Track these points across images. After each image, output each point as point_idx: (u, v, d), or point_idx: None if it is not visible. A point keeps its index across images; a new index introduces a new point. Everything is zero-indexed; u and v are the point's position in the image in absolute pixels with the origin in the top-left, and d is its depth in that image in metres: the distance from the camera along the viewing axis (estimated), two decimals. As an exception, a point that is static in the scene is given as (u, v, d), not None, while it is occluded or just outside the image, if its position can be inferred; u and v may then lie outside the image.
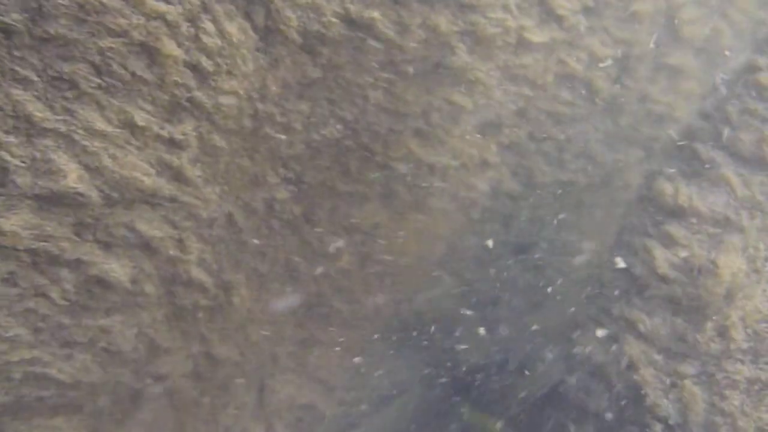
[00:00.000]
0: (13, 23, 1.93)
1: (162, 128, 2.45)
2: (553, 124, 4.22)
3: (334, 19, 2.69)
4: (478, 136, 3.84)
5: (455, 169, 3.82)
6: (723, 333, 2.61)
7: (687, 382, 2.66)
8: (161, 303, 2.99)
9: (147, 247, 2.74)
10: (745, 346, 2.53)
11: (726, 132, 2.98)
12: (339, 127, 3.10)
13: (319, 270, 3.67)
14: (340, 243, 3.64)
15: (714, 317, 2.65)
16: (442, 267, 4.48)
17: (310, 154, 3.11)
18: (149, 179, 2.50)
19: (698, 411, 2.56)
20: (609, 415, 3.02)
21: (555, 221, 4.98)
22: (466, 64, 3.32)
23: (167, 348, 3.14)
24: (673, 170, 3.15)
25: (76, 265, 2.52)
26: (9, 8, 1.90)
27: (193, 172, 2.65)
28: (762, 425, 2.39)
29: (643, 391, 2.78)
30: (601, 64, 4.08)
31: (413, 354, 4.95)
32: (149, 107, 2.37)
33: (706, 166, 2.99)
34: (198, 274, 3.02)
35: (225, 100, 2.58)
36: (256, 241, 3.22)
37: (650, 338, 2.80)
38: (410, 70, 3.13)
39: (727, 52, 4.85)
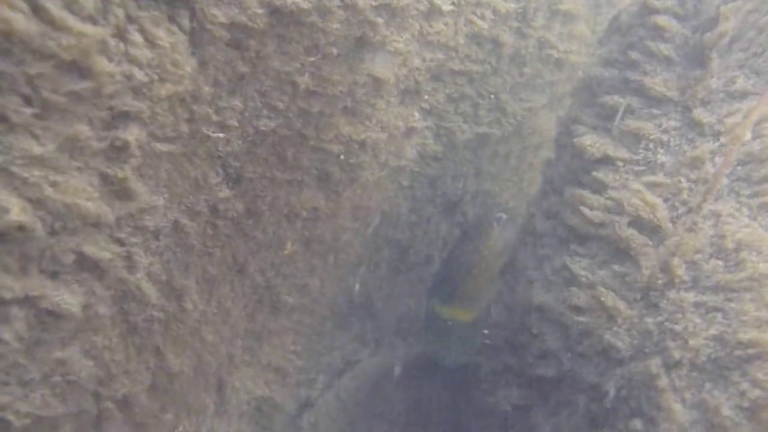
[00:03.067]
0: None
1: (102, 145, 2.33)
2: (468, 83, 4.33)
3: (259, 11, 2.62)
4: (401, 105, 3.88)
5: (383, 142, 3.85)
6: (663, 268, 2.82)
7: (635, 317, 2.87)
8: (115, 323, 2.88)
9: (96, 269, 2.63)
10: (685, 276, 2.75)
11: (634, 76, 3.17)
12: (272, 117, 3.05)
13: (265, 261, 3.65)
14: (283, 232, 3.62)
15: (650, 255, 2.86)
16: (379, 236, 4.55)
17: (247, 148, 3.05)
18: (93, 203, 2.38)
19: (652, 339, 2.78)
20: (566, 355, 3.21)
21: (475, 175, 5.15)
22: (385, 37, 3.33)
23: (124, 368, 3.05)
24: (591, 119, 3.33)
25: (26, 301, 2.39)
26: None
27: (137, 185, 2.55)
28: (713, 343, 2.63)
29: (595, 332, 2.98)
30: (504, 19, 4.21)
31: (360, 326, 5.04)
32: (86, 127, 2.25)
33: (621, 111, 3.17)
34: (149, 288, 2.93)
35: (161, 107, 2.47)
36: (202, 244, 3.15)
37: (595, 284, 2.99)
38: (334, 51, 3.11)
39: (613, -6, 5.12)
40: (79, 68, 2.12)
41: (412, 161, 4.31)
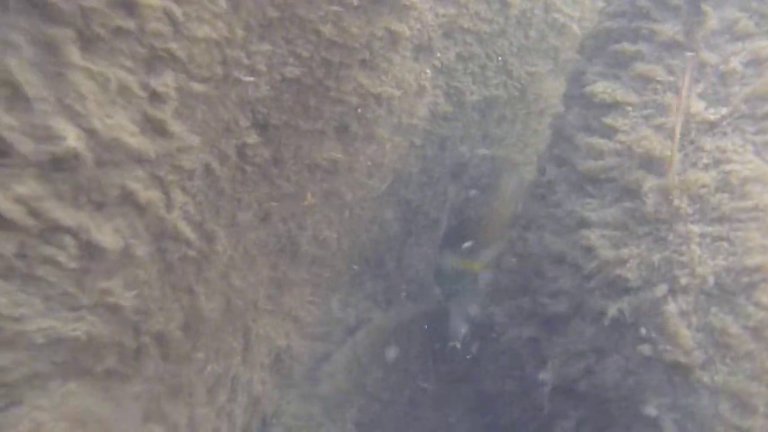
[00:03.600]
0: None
1: (144, 83, 2.48)
2: (477, 43, 4.48)
3: (288, -43, 2.77)
4: (415, 61, 4.04)
5: (398, 98, 4.00)
6: (668, 202, 2.99)
7: (643, 248, 3.03)
8: (153, 260, 3.03)
9: (137, 205, 2.78)
10: (690, 210, 2.92)
11: (644, 25, 3.33)
12: (297, 64, 3.20)
13: (288, 211, 3.80)
14: (305, 183, 3.77)
15: (656, 191, 3.03)
16: (392, 195, 4.71)
17: (274, 95, 3.20)
18: (135, 138, 2.53)
19: (660, 270, 2.94)
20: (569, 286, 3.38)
21: (482, 138, 5.31)
22: (401, -9, 3.47)
23: (160, 304, 3.20)
24: (600, 68, 3.49)
25: (77, 230, 2.54)
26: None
27: (176, 125, 2.70)
28: (719, 270, 2.80)
29: (604, 268, 3.15)
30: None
31: (372, 285, 5.19)
32: (130, 63, 2.39)
33: (631, 59, 3.33)
34: (184, 227, 3.08)
35: (198, 47, 2.62)
36: (231, 188, 3.30)
37: (604, 223, 3.15)
38: (354, 2, 3.25)
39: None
40: (126, 4, 2.26)
41: (424, 120, 4.46)
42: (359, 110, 3.74)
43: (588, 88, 3.38)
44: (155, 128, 2.65)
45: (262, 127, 3.26)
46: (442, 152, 4.94)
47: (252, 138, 3.21)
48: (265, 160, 3.39)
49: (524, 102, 5.47)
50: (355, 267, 4.82)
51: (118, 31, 2.28)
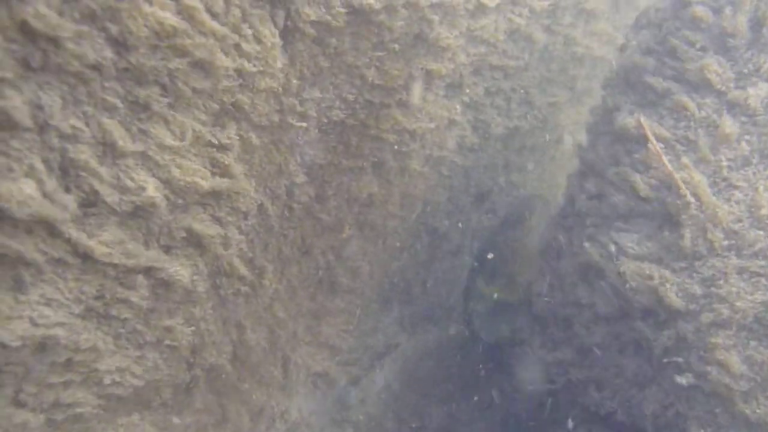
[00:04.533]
0: (103, 59, 2.06)
1: (213, 134, 2.63)
2: (503, 78, 4.64)
3: (341, 10, 2.92)
4: (446, 98, 4.19)
5: (430, 132, 4.16)
6: (704, 236, 3.13)
7: (682, 281, 3.17)
8: (209, 296, 3.17)
9: (199, 245, 2.92)
10: (726, 243, 3.06)
11: (673, 63, 3.49)
12: (342, 108, 3.35)
13: (327, 244, 3.94)
14: (343, 216, 3.91)
15: (691, 225, 3.17)
16: (421, 223, 4.85)
17: (321, 137, 3.35)
18: (207, 182, 2.67)
19: (698, 302, 3.08)
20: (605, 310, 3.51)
21: (504, 167, 5.46)
22: (438, 34, 3.63)
23: (213, 338, 3.33)
24: (630, 105, 3.64)
25: (147, 271, 2.68)
26: (101, 46, 2.03)
27: (237, 169, 2.84)
28: (758, 305, 2.94)
29: (644, 297, 3.28)
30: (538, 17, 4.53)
31: (399, 310, 5.32)
32: (204, 116, 2.54)
33: (662, 95, 3.48)
34: (238, 263, 3.21)
35: (260, 98, 2.77)
36: (279, 225, 3.44)
37: (642, 256, 3.29)
38: (396, 47, 3.41)
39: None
40: (203, 65, 2.42)
41: (452, 152, 4.62)
42: (395, 146, 3.89)
43: (620, 123, 3.52)
44: (220, 173, 2.80)
45: (308, 167, 3.41)
46: (467, 181, 5.08)
47: (300, 178, 3.36)
48: (309, 198, 3.53)
49: (543, 130, 5.63)
50: (384, 294, 4.95)
51: (196, 89, 2.43)
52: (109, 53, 2.08)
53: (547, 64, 5.02)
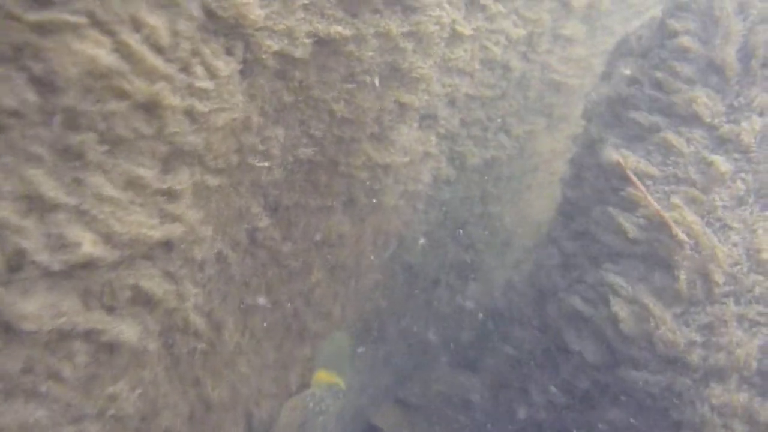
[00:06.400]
0: (24, 103, 1.76)
1: (162, 180, 2.33)
2: (479, 108, 4.42)
3: (306, 41, 2.66)
4: (420, 130, 3.95)
5: (404, 166, 3.90)
6: (702, 280, 2.90)
7: (676, 326, 2.94)
8: (161, 356, 2.84)
9: (148, 302, 2.60)
10: (725, 289, 2.84)
11: (659, 95, 3.28)
12: (310, 144, 3.08)
13: (294, 290, 3.64)
14: (312, 259, 3.62)
15: (687, 267, 2.94)
16: (395, 260, 4.58)
17: (286, 176, 3.07)
18: (155, 233, 2.37)
19: (695, 352, 2.84)
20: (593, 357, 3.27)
21: (481, 198, 5.23)
22: (411, 64, 3.39)
23: (166, 401, 3.00)
24: (616, 139, 3.43)
25: (87, 335, 2.36)
26: (21, 89, 1.73)
27: (191, 217, 2.54)
28: (760, 354, 2.71)
29: (637, 342, 3.04)
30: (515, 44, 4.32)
31: (374, 350, 5.03)
32: (149, 162, 2.24)
33: (649, 129, 3.27)
34: (194, 318, 2.90)
35: (215, 138, 2.48)
36: (241, 274, 3.13)
37: (634, 299, 3.06)
38: (367, 78, 3.16)
39: (609, 18, 5.30)
40: (148, 107, 2.13)
41: (428, 185, 4.36)
42: (368, 182, 3.63)
43: (605, 159, 3.30)
44: (171, 223, 2.49)
45: (273, 209, 3.12)
46: (443, 215, 4.84)
47: (263, 221, 3.07)
48: (274, 242, 3.24)
49: (521, 160, 5.42)
50: (358, 338, 4.65)
51: (140, 133, 2.14)
52: (31, 96, 1.78)
53: (524, 91, 4.81)
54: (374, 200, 3.84)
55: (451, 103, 4.10)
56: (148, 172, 2.26)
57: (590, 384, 3.31)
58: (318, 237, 3.58)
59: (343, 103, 3.12)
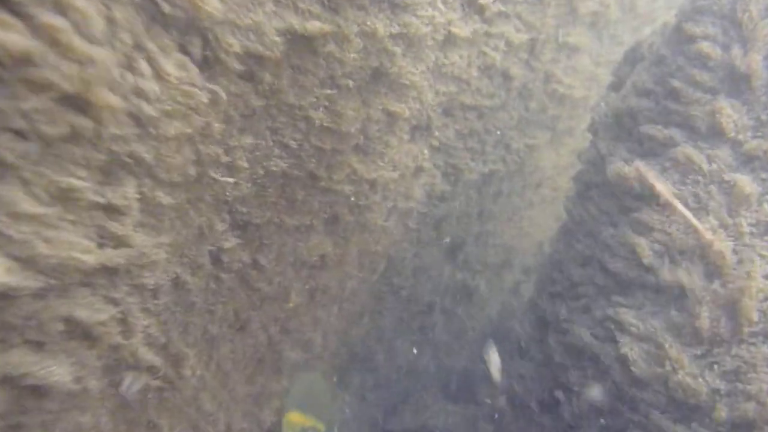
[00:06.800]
0: None
1: (100, 194, 1.97)
2: (477, 118, 4.07)
3: (276, 38, 2.32)
4: (412, 142, 3.60)
5: (394, 182, 3.55)
6: (728, 316, 2.54)
7: (696, 369, 2.57)
8: (104, 398, 2.47)
9: (87, 336, 2.24)
10: (757, 327, 2.48)
11: (676, 107, 2.94)
12: (284, 156, 2.73)
13: (269, 317, 3.28)
14: (289, 283, 3.26)
15: (710, 302, 2.58)
16: (384, 284, 4.21)
17: (256, 191, 2.72)
18: (92, 256, 2.01)
19: (719, 402, 2.48)
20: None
21: (479, 215, 4.88)
22: (401, 68, 3.05)
23: (115, 446, 2.63)
24: (626, 153, 3.08)
25: (6, 380, 1.99)
26: None
27: (137, 239, 2.18)
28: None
29: (652, 386, 2.68)
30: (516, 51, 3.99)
31: (361, 379, 4.67)
32: (84, 173, 1.89)
33: (664, 144, 2.93)
34: (145, 353, 2.54)
35: (167, 148, 2.13)
36: (203, 301, 2.77)
37: (647, 337, 2.70)
38: (350, 83, 2.81)
39: (616, 27, 4.97)
40: (79, 104, 1.77)
41: (420, 202, 4.01)
42: (352, 198, 3.27)
43: (614, 173, 2.95)
44: (114, 244, 2.13)
45: (241, 228, 2.76)
46: (437, 234, 4.48)
47: (229, 242, 2.71)
48: (243, 265, 2.88)
49: (521, 174, 5.07)
50: (341, 366, 4.29)
51: (70, 135, 1.78)
52: None
53: (525, 102, 4.47)
54: (360, 218, 3.49)
55: (446, 112, 3.75)
56: (81, 183, 1.91)
57: (595, 428, 2.93)
58: (295, 258, 3.22)
59: (322, 111, 2.77)
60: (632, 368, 2.72)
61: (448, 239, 4.55)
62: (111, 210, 2.07)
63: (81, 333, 2.21)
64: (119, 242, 2.13)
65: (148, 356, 2.54)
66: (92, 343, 2.27)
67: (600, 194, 3.21)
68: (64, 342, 2.16)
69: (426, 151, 3.74)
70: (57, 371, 2.13)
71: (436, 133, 3.73)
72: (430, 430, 4.84)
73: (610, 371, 2.84)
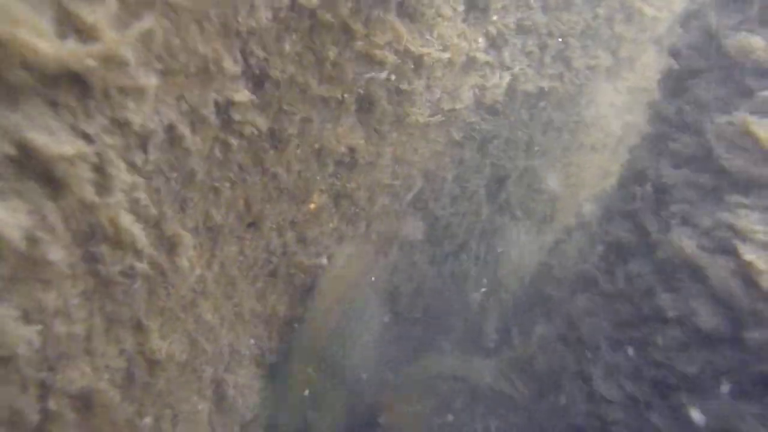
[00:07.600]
0: None
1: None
2: (540, 9, 3.43)
3: None
4: (465, 23, 2.97)
5: (442, 68, 2.92)
6: None
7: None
8: (76, 275, 1.87)
9: (48, 177, 1.64)
10: None
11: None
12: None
13: (285, 217, 2.66)
14: (311, 176, 2.65)
15: None
16: (418, 206, 3.59)
17: (277, 32, 2.11)
18: (47, 44, 1.40)
19: None
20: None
21: (526, 146, 4.25)
22: None
23: (86, 347, 2.03)
24: (747, 24, 2.44)
25: None
26: None
27: (112, 34, 1.57)
28: None
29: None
30: None
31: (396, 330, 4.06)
32: None
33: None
34: (129, 223, 1.94)
35: None
36: (206, 172, 2.17)
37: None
38: None
39: None
40: None
41: (468, 108, 3.38)
42: (392, 76, 2.65)
43: (735, 48, 2.31)
44: (77, 36, 1.52)
45: (256, 79, 2.14)
46: (481, 157, 3.84)
47: (241, 94, 2.09)
48: (258, 133, 2.26)
49: (576, 106, 4.43)
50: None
51: None
52: None
53: (593, 5, 3.82)
54: (399, 109, 2.87)
55: (506, -5, 3.11)
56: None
57: (700, 366, 2.31)
58: (321, 145, 2.60)
59: None
60: (758, 281, 2.09)
61: (490, 165, 3.91)
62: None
63: (39, 170, 1.60)
64: (87, 34, 1.51)
65: (134, 230, 1.92)
66: (55, 191, 1.66)
67: (707, 80, 2.57)
68: (15, 177, 1.55)
69: (481, 40, 3.11)
70: (3, 217, 1.52)
71: (494, 17, 3.09)
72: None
73: (722, 288, 2.21)
